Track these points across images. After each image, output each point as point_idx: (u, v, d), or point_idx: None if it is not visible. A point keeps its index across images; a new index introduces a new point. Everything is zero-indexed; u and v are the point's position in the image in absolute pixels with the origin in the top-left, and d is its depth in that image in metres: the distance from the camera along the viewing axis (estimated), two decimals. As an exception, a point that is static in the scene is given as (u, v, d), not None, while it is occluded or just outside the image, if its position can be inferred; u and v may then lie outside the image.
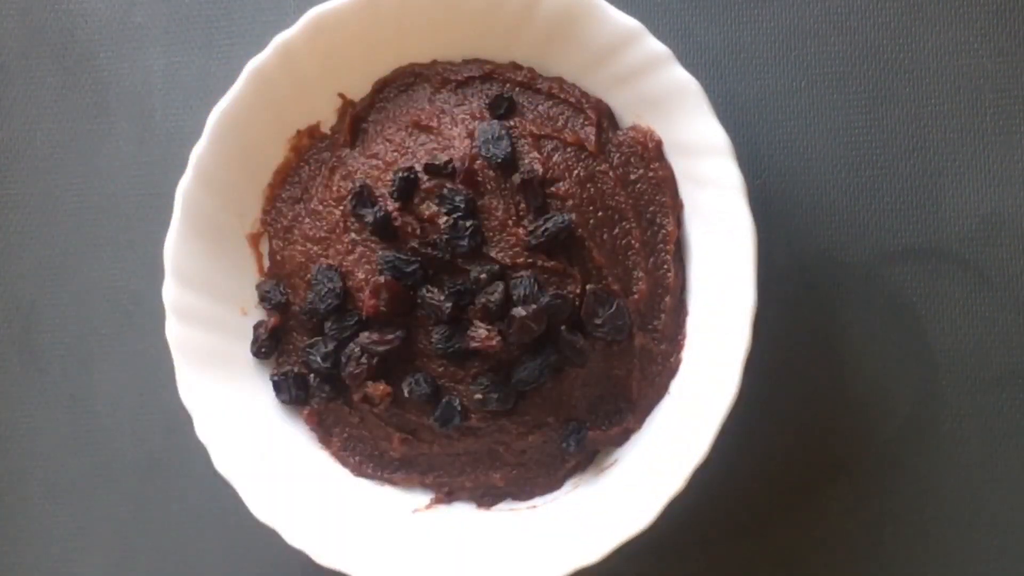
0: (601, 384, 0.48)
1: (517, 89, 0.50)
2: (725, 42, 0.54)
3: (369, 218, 0.48)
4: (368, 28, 0.48)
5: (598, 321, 0.47)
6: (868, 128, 0.53)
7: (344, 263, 0.49)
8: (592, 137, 0.48)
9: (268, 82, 0.48)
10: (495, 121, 0.49)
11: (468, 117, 0.49)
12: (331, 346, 0.49)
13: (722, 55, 0.54)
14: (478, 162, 0.48)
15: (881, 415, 0.53)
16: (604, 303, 0.47)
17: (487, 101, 0.50)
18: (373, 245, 0.49)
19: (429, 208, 0.48)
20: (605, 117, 0.49)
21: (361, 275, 0.48)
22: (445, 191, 0.47)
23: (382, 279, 0.47)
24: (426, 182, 0.48)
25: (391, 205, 0.48)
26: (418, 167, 0.48)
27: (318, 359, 0.49)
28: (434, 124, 0.49)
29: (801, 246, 0.53)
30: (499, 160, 0.47)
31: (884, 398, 0.53)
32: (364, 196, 0.48)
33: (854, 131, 0.53)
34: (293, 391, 0.50)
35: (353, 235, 0.49)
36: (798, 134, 0.54)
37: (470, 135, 0.48)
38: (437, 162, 0.48)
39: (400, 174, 0.48)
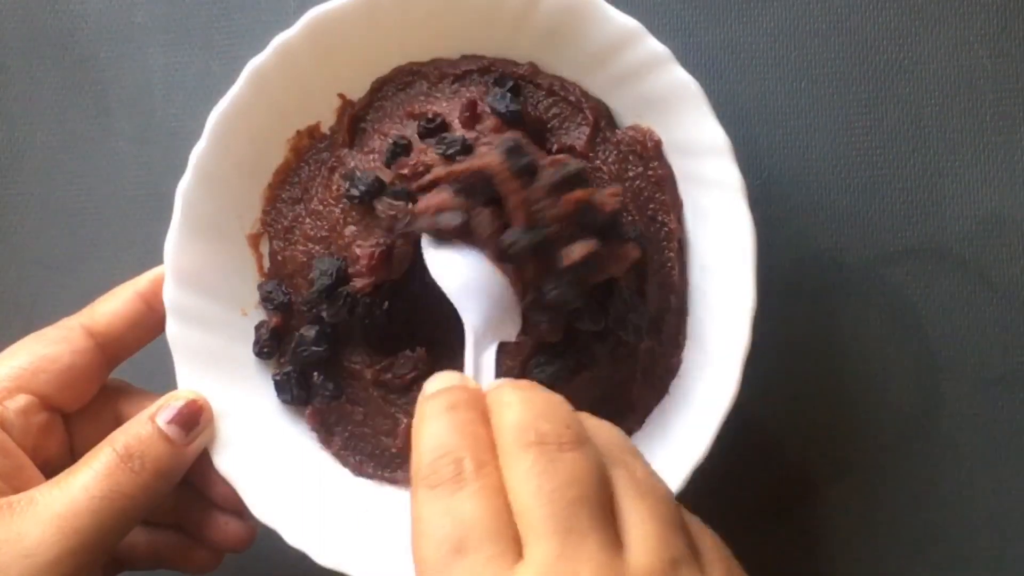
0: (604, 385, 0.48)
1: (519, 81, 0.50)
2: (725, 42, 0.54)
3: (357, 190, 0.47)
4: (368, 29, 0.48)
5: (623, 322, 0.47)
6: (868, 128, 0.53)
7: (344, 256, 0.49)
8: (583, 138, 0.48)
9: (268, 82, 0.48)
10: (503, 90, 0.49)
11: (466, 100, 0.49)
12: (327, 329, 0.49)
13: (722, 55, 0.54)
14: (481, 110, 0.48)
15: (881, 415, 0.53)
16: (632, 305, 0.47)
17: (491, 81, 0.49)
18: (371, 225, 0.48)
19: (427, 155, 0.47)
20: (603, 118, 0.49)
21: (363, 259, 0.48)
22: (444, 137, 0.47)
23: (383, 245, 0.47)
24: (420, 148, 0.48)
25: (385, 175, 0.48)
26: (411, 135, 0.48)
27: (311, 343, 0.49)
28: (428, 110, 0.49)
29: (801, 246, 0.53)
30: (506, 112, 0.47)
31: (884, 398, 0.53)
32: (355, 178, 0.48)
33: (854, 131, 0.54)
34: (295, 391, 0.50)
35: (352, 227, 0.49)
36: (798, 134, 0.54)
37: (469, 107, 0.48)
38: (431, 124, 0.47)
39: (392, 140, 0.48)
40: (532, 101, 0.49)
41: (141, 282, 0.48)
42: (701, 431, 0.46)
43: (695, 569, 0.33)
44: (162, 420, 0.45)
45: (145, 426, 0.45)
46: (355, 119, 0.51)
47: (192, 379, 0.48)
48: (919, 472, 0.53)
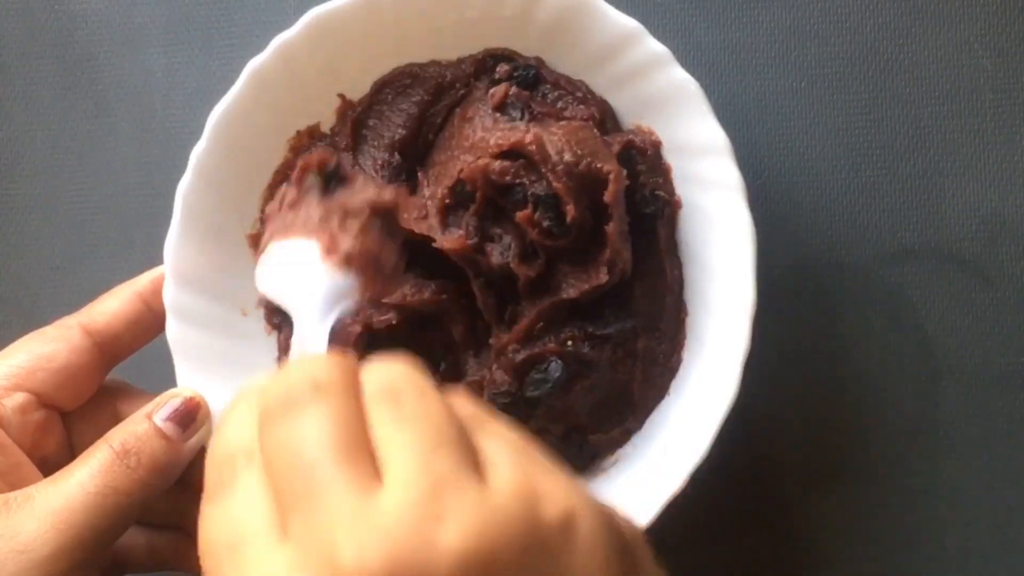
0: (605, 388, 0.48)
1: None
2: (724, 43, 0.54)
3: None
4: (368, 29, 0.48)
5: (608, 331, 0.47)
6: (868, 128, 0.53)
7: None
8: None
9: (268, 83, 0.48)
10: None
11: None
12: None
13: (721, 56, 0.54)
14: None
15: (881, 415, 0.53)
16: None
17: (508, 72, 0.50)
18: None
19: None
20: (609, 118, 0.49)
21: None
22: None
23: None
24: None
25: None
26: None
27: None
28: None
29: (801, 246, 0.53)
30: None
31: (884, 398, 0.53)
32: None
33: (854, 131, 0.53)
34: None
35: None
36: (798, 134, 0.54)
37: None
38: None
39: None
40: (542, 89, 0.49)
41: (141, 282, 0.49)
42: (701, 431, 0.46)
43: (466, 486, 0.28)
44: (159, 418, 0.45)
45: (142, 423, 0.45)
46: (357, 123, 0.51)
47: (192, 379, 0.48)
48: (919, 472, 0.53)
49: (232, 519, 0.30)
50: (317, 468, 0.29)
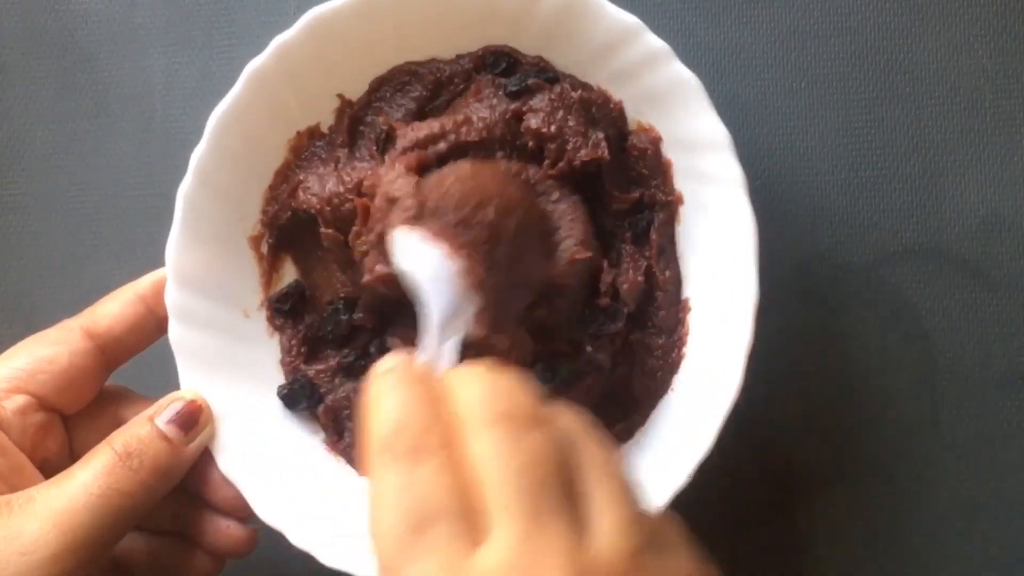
0: (606, 385, 0.48)
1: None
2: (725, 42, 0.54)
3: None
4: (367, 29, 0.48)
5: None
6: (868, 128, 0.54)
7: None
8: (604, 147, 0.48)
9: (267, 84, 0.48)
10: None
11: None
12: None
13: (722, 56, 0.54)
14: None
15: (881, 415, 0.53)
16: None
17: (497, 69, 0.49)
18: None
19: None
20: (624, 121, 0.49)
21: None
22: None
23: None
24: None
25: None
26: None
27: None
28: None
29: (801, 246, 0.53)
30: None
31: (884, 398, 0.53)
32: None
33: (854, 131, 0.54)
34: (304, 402, 0.50)
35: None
36: (798, 134, 0.54)
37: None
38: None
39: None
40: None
41: (142, 284, 0.48)
42: (704, 427, 0.45)
43: (657, 558, 0.32)
44: (161, 420, 0.45)
45: (144, 426, 0.45)
46: (354, 120, 0.51)
47: (195, 381, 0.48)
48: (919, 472, 0.53)
49: (422, 495, 0.32)
50: (544, 494, 0.31)
